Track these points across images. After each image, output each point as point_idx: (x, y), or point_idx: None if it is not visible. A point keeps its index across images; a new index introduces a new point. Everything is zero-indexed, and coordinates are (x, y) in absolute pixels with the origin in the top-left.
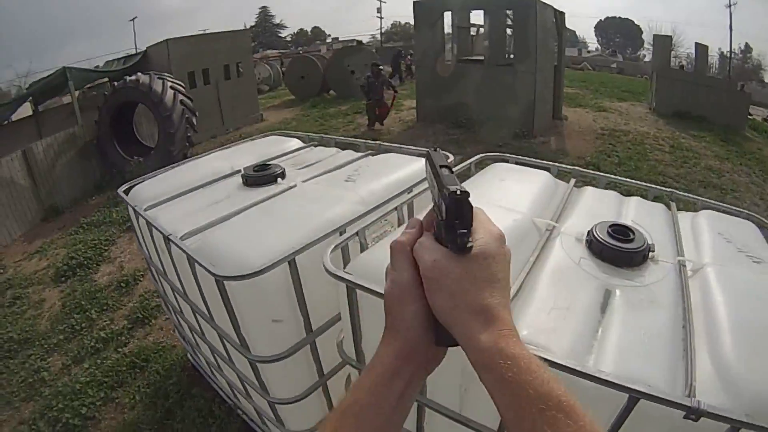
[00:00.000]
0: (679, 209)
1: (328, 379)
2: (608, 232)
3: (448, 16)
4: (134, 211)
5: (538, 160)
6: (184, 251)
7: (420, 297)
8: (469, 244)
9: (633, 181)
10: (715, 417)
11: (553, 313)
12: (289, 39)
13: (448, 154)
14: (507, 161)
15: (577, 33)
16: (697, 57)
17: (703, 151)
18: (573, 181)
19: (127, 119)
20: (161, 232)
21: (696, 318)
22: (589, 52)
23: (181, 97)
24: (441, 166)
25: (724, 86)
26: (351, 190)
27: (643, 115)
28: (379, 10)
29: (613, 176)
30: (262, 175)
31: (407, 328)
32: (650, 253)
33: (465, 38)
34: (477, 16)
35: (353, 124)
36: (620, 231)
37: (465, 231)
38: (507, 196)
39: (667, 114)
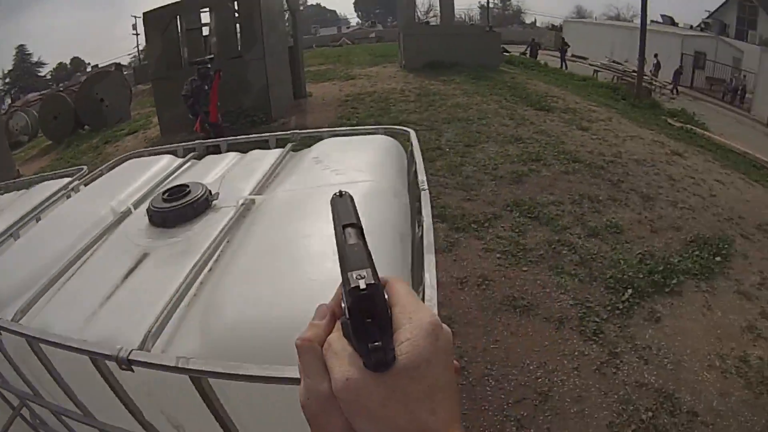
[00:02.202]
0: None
1: (21, 411)
2: (162, 197)
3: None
4: None
5: (170, 146)
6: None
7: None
8: (389, 356)
9: (264, 135)
10: (142, 364)
11: (92, 290)
12: (49, 77)
13: (351, 199)
14: (143, 155)
15: (338, 12)
16: (441, 9)
17: (451, 92)
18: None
19: None
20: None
21: (224, 258)
22: (348, 28)
23: None
24: (344, 226)
25: (474, 31)
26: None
27: (393, 74)
28: (134, 26)
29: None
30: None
31: None
32: (213, 203)
33: (197, 40)
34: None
35: (102, 155)
36: (175, 192)
37: (378, 344)
38: (122, 188)
39: (418, 68)
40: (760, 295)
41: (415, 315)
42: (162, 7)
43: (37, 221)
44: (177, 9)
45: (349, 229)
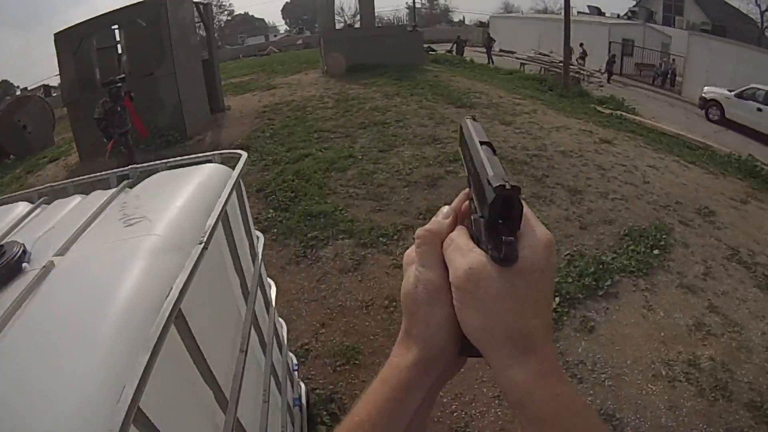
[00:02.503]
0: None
1: None
2: None
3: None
4: None
5: (35, 189)
6: None
7: (449, 303)
8: (515, 254)
9: (103, 174)
10: None
11: None
12: None
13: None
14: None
15: (266, 20)
16: (361, 11)
17: (372, 95)
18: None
19: None
20: None
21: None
22: (276, 36)
23: None
24: (482, 143)
25: (396, 31)
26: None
27: (315, 80)
28: None
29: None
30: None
31: (431, 336)
32: (24, 264)
33: (110, 59)
34: None
35: (24, 186)
36: None
37: (512, 239)
38: None
39: (339, 72)
40: (706, 287)
41: (538, 229)
42: (71, 26)
43: None
44: (87, 28)
45: (485, 146)
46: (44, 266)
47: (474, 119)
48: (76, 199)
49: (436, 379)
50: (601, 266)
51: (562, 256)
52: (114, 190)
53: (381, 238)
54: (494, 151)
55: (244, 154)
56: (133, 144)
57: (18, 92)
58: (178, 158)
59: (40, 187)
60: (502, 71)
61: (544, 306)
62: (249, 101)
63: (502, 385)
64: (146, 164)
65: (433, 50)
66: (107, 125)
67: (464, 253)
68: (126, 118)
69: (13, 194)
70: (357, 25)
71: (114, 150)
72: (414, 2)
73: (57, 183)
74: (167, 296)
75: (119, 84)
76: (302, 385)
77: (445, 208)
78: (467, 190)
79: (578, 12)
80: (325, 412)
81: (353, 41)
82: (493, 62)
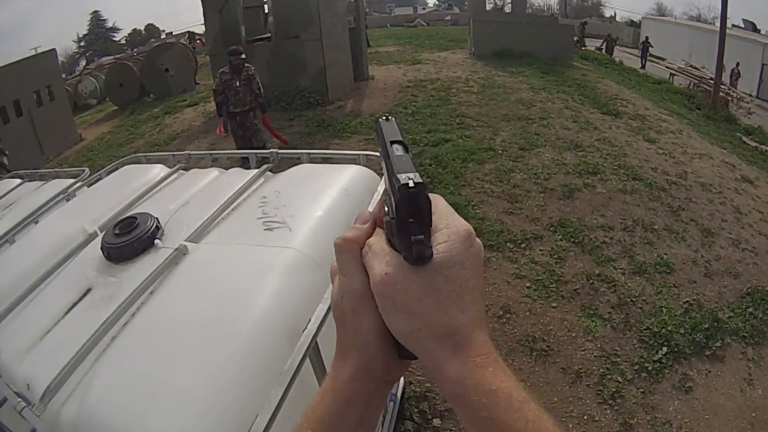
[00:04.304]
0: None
1: None
2: (114, 231)
3: None
4: None
5: (172, 153)
6: None
7: (375, 308)
8: (427, 252)
9: (245, 152)
10: None
11: (37, 321)
12: (123, 42)
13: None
14: (141, 161)
15: None
16: None
17: (517, 85)
18: (178, 166)
19: None
20: None
21: (139, 315)
22: (424, 8)
23: None
24: (392, 142)
25: (546, 21)
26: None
27: (461, 60)
28: None
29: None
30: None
31: (363, 344)
32: (156, 241)
33: (256, 17)
34: None
35: (160, 126)
36: (125, 226)
37: (421, 237)
38: (109, 196)
39: (486, 56)
40: None
41: (453, 222)
42: None
43: (36, 224)
44: None
45: (396, 145)
46: (177, 249)
47: (387, 119)
48: (214, 172)
49: (376, 386)
50: (715, 323)
51: (681, 303)
52: (254, 173)
53: (508, 244)
54: (407, 149)
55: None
56: (256, 125)
57: (163, 36)
58: (322, 151)
59: (177, 153)
60: (651, 79)
61: (470, 299)
62: (393, 74)
63: (439, 384)
64: (288, 151)
65: (584, 45)
66: (222, 100)
67: (380, 258)
68: (244, 97)
69: (151, 154)
70: (507, 9)
71: (227, 131)
72: None
73: (196, 152)
74: (304, 328)
75: (242, 55)
76: (402, 378)
77: (365, 213)
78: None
79: (732, 25)
80: (416, 410)
81: (502, 26)
82: (644, 67)
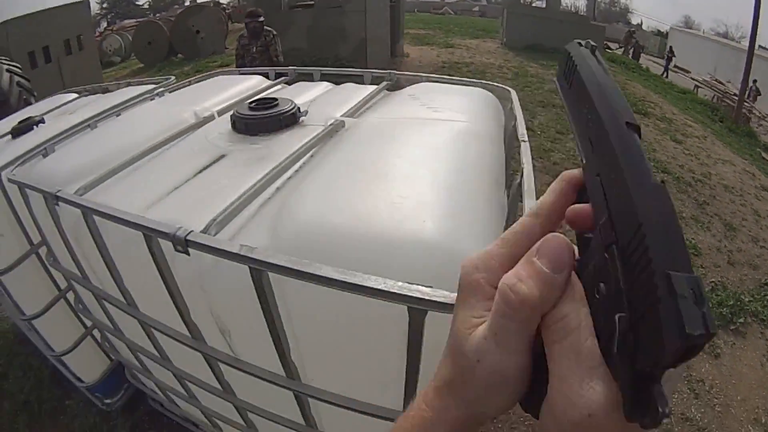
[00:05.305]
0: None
1: (66, 294)
2: (249, 106)
3: None
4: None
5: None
6: None
7: (517, 392)
8: (668, 410)
9: (359, 70)
10: (200, 247)
11: (160, 180)
12: (147, 6)
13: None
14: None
15: None
16: None
17: (550, 77)
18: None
19: None
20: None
21: (306, 169)
22: None
23: (17, 78)
24: (627, 124)
25: (577, 20)
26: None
27: (493, 49)
28: None
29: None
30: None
31: (482, 412)
32: (301, 119)
33: None
34: None
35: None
36: (263, 103)
37: (661, 387)
38: (207, 97)
39: (518, 47)
40: None
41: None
42: None
43: (117, 116)
44: None
45: (631, 129)
46: (334, 122)
47: (593, 50)
48: (323, 84)
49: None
50: (738, 303)
51: (707, 282)
52: (373, 88)
53: None
54: (638, 131)
55: (513, 90)
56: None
57: (187, 2)
58: (442, 76)
59: (267, 68)
60: (676, 88)
61: None
62: (427, 53)
63: None
64: (407, 72)
65: (610, 48)
66: (241, 65)
67: (584, 378)
68: (261, 63)
69: (236, 69)
70: (540, 4)
71: None
72: None
73: (292, 67)
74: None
75: (260, 18)
76: None
77: (562, 252)
78: (571, 175)
79: (759, 46)
80: None
81: (536, 20)
82: (668, 75)
